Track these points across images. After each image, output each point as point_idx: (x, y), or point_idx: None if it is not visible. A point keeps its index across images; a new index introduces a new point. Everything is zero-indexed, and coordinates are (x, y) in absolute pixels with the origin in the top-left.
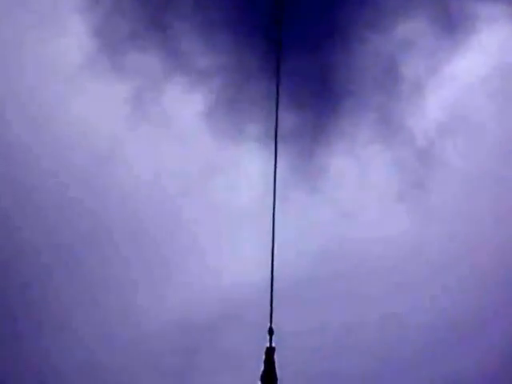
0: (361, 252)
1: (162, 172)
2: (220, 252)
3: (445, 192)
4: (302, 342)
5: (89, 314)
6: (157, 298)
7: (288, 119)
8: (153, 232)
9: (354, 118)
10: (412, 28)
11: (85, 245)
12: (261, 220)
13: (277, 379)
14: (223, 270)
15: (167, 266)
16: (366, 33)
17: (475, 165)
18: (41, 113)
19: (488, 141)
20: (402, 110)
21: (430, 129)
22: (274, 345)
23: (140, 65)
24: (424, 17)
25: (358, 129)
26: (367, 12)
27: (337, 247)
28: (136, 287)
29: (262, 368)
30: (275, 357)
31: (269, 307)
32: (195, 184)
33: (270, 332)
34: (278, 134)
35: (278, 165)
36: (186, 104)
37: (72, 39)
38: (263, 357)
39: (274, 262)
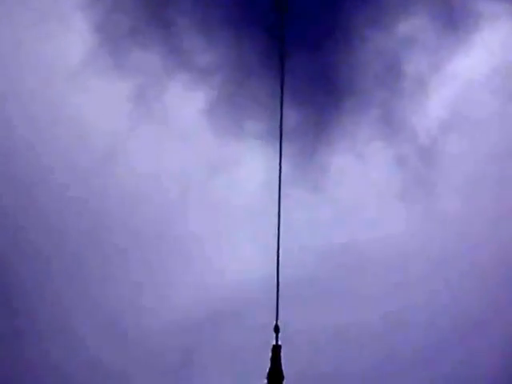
0: (362, 250)
1: (164, 169)
2: (222, 250)
3: (447, 190)
4: (303, 339)
5: (90, 314)
6: (159, 297)
7: (290, 117)
8: (154, 230)
9: (356, 116)
10: (414, 25)
11: (86, 244)
12: (263, 217)
13: (283, 377)
14: (225, 268)
15: (169, 265)
16: (368, 30)
17: (477, 162)
18: (42, 111)
19: (490, 138)
20: (404, 107)
21: (432, 126)
22: (279, 342)
23: (141, 62)
24: (426, 14)
25: (360, 126)
26: (369, 9)
27: (338, 245)
28: (137, 286)
29: (269, 366)
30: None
31: (271, 305)
32: (197, 181)
33: (276, 330)
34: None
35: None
36: (188, 101)
37: (73, 37)
38: (269, 354)
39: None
